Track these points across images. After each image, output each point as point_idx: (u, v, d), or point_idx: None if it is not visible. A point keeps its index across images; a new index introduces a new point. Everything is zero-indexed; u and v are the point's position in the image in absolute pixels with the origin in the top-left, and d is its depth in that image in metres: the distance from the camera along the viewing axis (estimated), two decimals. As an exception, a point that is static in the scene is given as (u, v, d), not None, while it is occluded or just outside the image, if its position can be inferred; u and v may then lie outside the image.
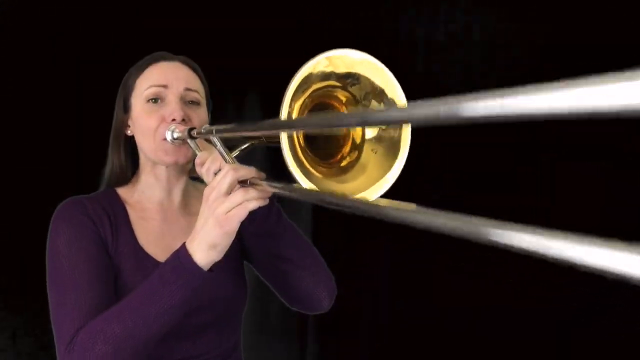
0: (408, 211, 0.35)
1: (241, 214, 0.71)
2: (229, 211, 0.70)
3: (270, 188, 0.68)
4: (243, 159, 0.81)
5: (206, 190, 0.73)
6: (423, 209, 0.34)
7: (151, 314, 0.74)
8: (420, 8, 2.19)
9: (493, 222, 0.29)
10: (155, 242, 0.92)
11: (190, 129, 0.85)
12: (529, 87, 0.24)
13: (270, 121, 0.65)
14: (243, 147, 0.85)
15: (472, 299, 2.02)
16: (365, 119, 0.42)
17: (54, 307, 0.82)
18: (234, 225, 0.71)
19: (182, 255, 0.74)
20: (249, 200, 0.71)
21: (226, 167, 0.73)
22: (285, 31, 2.11)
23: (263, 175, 0.73)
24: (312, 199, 0.61)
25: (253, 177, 0.72)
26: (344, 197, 0.55)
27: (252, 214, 0.73)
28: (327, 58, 0.63)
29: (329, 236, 2.19)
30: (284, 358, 2.27)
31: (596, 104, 0.21)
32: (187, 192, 0.99)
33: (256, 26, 2.09)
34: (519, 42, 2.12)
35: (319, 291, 0.94)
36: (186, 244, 0.75)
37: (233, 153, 0.82)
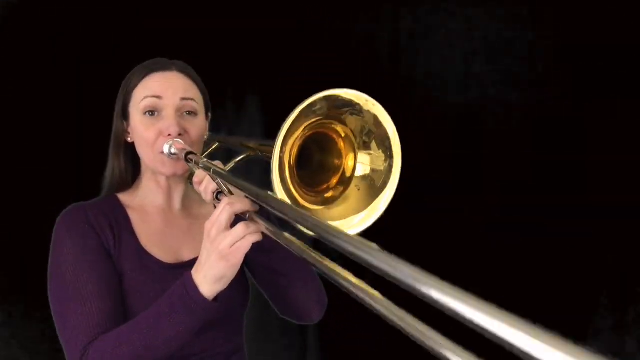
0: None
1: (245, 246, 0.72)
2: (233, 245, 0.72)
3: (265, 229, 0.70)
4: (240, 170, 0.81)
5: (207, 225, 0.74)
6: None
7: (159, 339, 0.75)
8: (420, 8, 2.19)
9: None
10: (157, 244, 0.93)
11: (187, 154, 0.86)
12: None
13: (267, 194, 0.65)
14: (238, 159, 0.85)
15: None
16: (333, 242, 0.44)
17: (60, 319, 0.82)
18: (239, 258, 0.73)
19: (189, 286, 0.75)
20: (252, 234, 0.72)
21: (224, 202, 0.74)
22: (285, 31, 2.11)
23: (256, 207, 0.74)
24: (299, 251, 0.60)
25: (249, 211, 0.73)
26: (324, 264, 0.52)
27: None
28: (321, 98, 0.63)
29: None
30: (284, 358, 2.27)
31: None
32: (188, 196, 1.00)
33: (256, 26, 2.10)
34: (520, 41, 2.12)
35: (310, 304, 0.97)
36: (192, 274, 0.76)
37: (228, 165, 0.83)
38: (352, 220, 0.69)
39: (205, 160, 0.81)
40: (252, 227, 0.72)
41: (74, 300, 0.81)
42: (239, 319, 1.00)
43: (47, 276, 0.86)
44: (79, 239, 0.86)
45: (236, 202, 0.73)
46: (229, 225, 0.73)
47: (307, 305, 0.96)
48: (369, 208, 0.69)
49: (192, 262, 0.86)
